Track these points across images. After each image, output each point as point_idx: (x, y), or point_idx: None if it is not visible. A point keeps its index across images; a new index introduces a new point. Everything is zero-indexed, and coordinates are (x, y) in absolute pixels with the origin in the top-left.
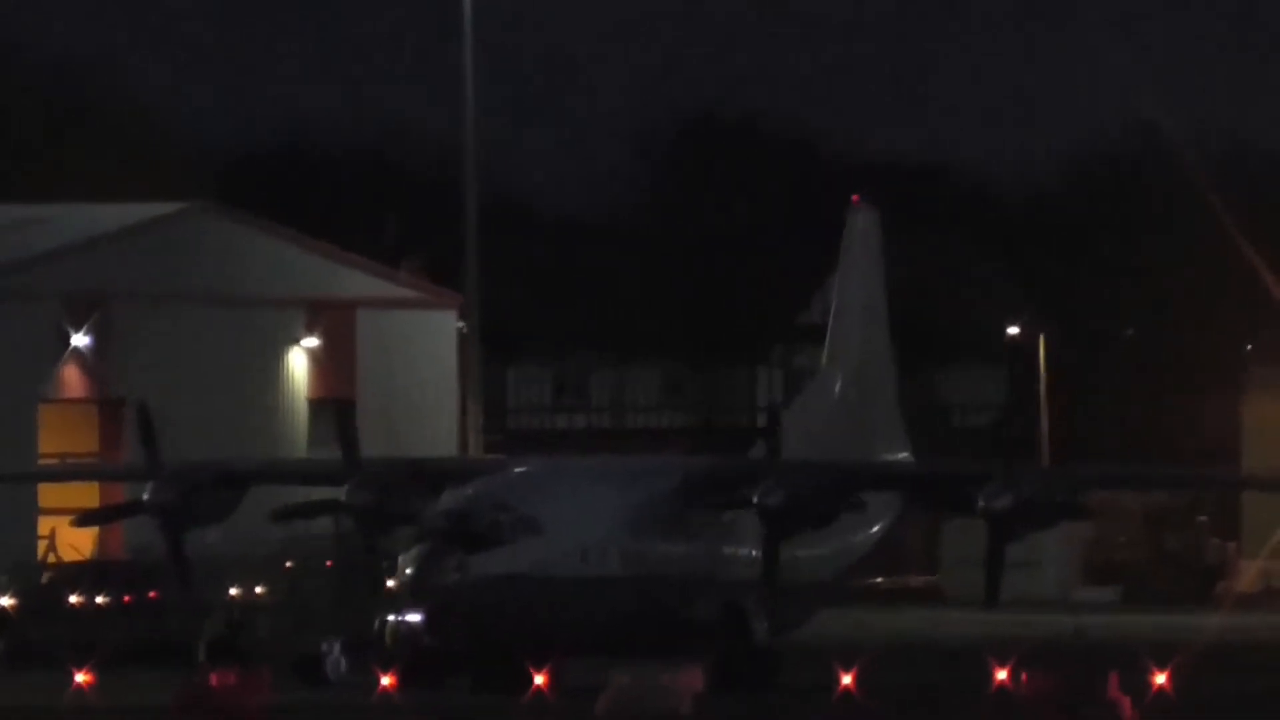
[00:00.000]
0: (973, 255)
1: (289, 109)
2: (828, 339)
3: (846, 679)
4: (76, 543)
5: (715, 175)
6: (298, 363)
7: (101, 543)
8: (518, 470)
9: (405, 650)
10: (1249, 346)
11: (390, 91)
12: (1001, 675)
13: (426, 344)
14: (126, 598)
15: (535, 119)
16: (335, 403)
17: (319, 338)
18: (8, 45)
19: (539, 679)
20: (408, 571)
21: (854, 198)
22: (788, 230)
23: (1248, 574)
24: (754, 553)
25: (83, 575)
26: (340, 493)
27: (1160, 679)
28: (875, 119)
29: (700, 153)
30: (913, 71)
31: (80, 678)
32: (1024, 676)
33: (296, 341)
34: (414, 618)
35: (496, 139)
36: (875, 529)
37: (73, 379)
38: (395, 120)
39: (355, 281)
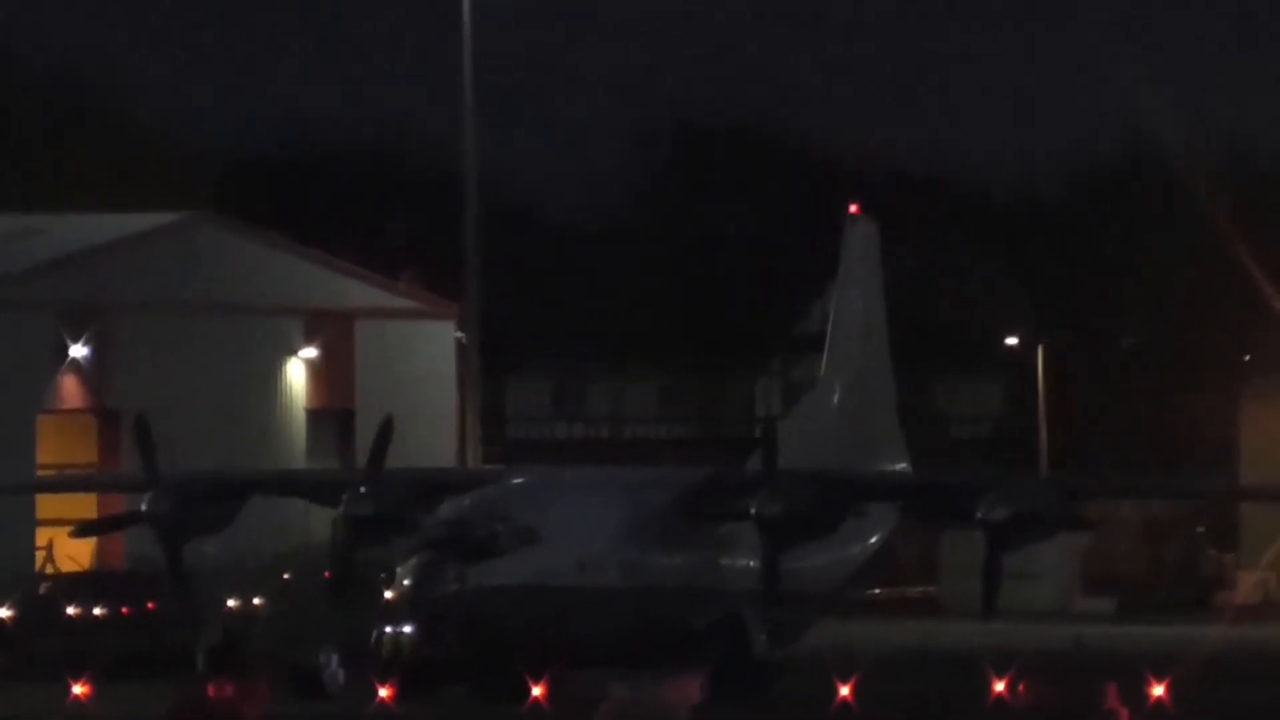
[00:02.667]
0: (974, 255)
1: (289, 110)
2: (826, 348)
3: (844, 690)
4: (75, 554)
5: (713, 178)
6: (296, 373)
7: (100, 554)
8: (516, 480)
9: (403, 661)
10: (1247, 357)
11: (390, 91)
12: (1000, 686)
13: (425, 354)
14: (124, 609)
15: (532, 122)
16: (332, 413)
17: (317, 348)
18: (7, 46)
19: (537, 690)
20: (405, 582)
21: (853, 208)
22: (786, 237)
23: (1245, 585)
24: (752, 563)
25: (80, 586)
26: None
27: (1159, 690)
28: (875, 120)
29: (698, 155)
30: (913, 72)
31: (78, 689)
32: (1021, 687)
33: (294, 352)
34: (411, 628)
35: (493, 143)
36: (874, 539)
37: (71, 389)
38: (395, 121)
39: (353, 292)
